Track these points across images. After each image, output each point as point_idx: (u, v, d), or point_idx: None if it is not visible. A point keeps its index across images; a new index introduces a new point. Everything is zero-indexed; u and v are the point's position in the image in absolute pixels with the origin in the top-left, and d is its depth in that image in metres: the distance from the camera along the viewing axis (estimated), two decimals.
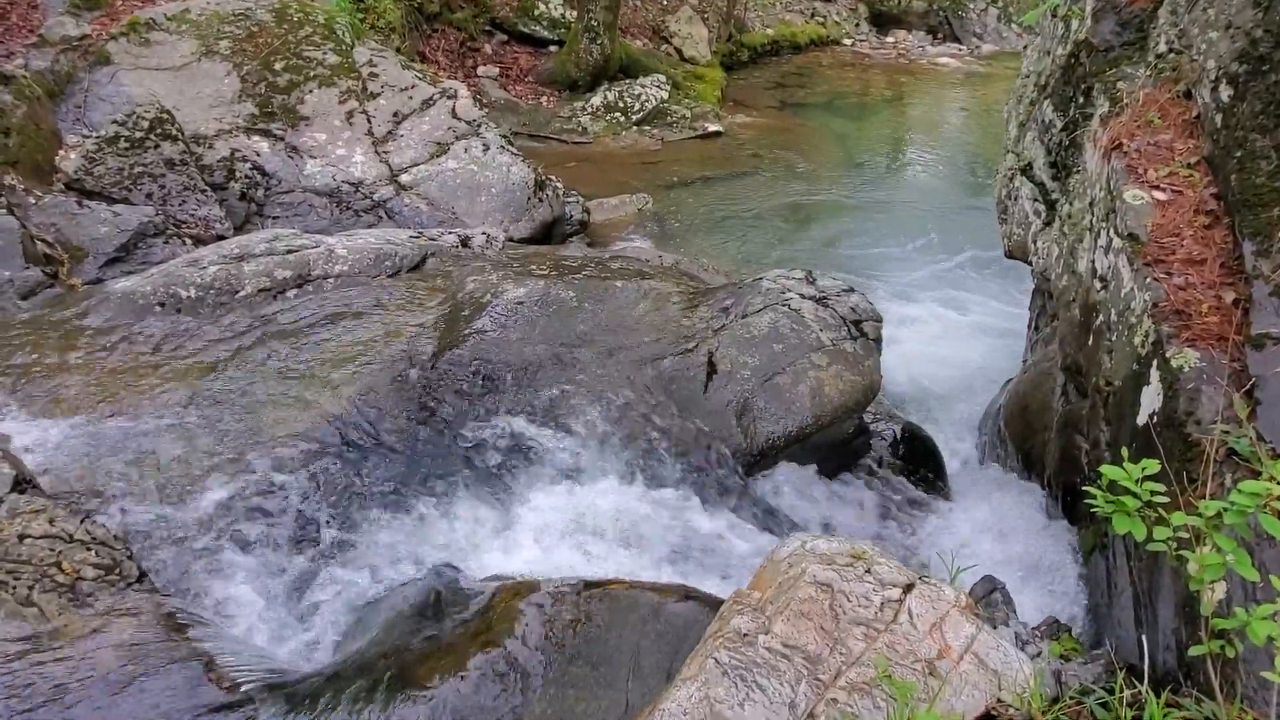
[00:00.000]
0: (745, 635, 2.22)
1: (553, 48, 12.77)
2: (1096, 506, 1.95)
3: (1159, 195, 3.11)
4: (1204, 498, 2.03)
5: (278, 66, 7.39)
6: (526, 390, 4.06)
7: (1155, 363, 2.74)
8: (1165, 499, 1.92)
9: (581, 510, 3.62)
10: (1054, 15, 4.62)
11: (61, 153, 6.08)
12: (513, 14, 12.91)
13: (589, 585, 2.83)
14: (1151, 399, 2.74)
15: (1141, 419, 2.78)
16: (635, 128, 11.27)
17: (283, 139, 7.02)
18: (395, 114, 7.44)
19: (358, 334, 4.40)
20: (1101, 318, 3.25)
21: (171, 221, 5.82)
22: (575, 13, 12.35)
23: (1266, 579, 1.94)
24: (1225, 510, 1.84)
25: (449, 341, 4.26)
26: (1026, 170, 4.75)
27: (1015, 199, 4.90)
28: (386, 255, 5.10)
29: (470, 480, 3.70)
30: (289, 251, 4.92)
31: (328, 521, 3.43)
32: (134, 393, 3.89)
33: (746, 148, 11.14)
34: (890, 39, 18.97)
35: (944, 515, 4.19)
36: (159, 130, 6.16)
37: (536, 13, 13.04)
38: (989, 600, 3.01)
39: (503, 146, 7.37)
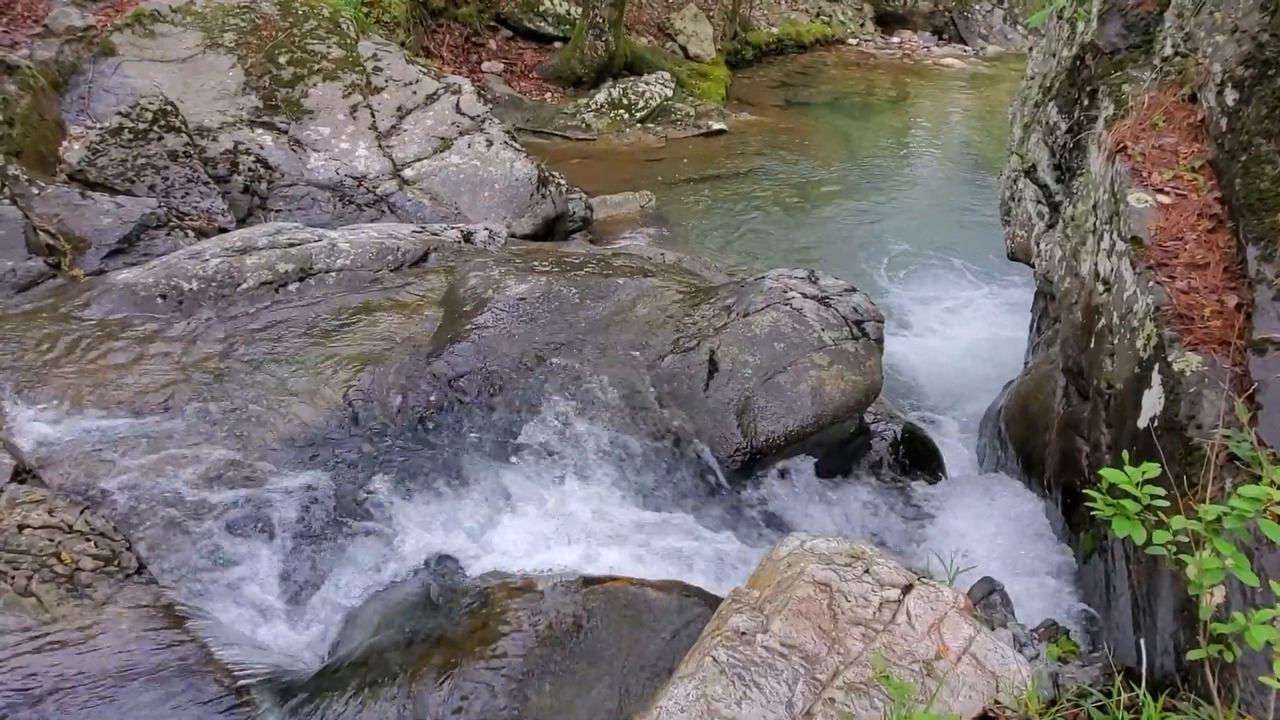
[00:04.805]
0: (743, 634, 2.22)
1: (558, 44, 12.77)
2: (1096, 509, 1.95)
3: (1163, 198, 3.11)
4: (1204, 502, 2.03)
5: (282, 60, 7.39)
6: (527, 387, 4.06)
7: (1157, 366, 2.74)
8: (1165, 503, 1.92)
9: (580, 507, 3.62)
10: (1060, 17, 4.61)
11: (65, 143, 6.09)
12: (518, 10, 12.91)
13: (587, 582, 2.84)
14: (1153, 402, 2.74)
15: (1143, 422, 2.78)
16: (639, 125, 11.26)
17: (286, 132, 7.02)
18: (399, 109, 7.43)
19: (359, 328, 4.41)
20: (1104, 320, 3.25)
21: (174, 213, 5.82)
22: (580, 9, 12.35)
23: (1266, 584, 1.94)
24: (1225, 515, 1.84)
25: (450, 337, 4.26)
26: (1030, 172, 4.74)
27: (1019, 201, 4.90)
28: (389, 250, 5.10)
29: (468, 477, 3.70)
30: (291, 245, 4.92)
31: (326, 515, 3.43)
32: (135, 384, 3.89)
33: (750, 146, 11.13)
34: (895, 39, 18.98)
35: (943, 516, 4.18)
36: (163, 122, 6.16)
37: (542, 9, 13.04)
38: (987, 602, 3.00)
39: (506, 142, 7.37)
